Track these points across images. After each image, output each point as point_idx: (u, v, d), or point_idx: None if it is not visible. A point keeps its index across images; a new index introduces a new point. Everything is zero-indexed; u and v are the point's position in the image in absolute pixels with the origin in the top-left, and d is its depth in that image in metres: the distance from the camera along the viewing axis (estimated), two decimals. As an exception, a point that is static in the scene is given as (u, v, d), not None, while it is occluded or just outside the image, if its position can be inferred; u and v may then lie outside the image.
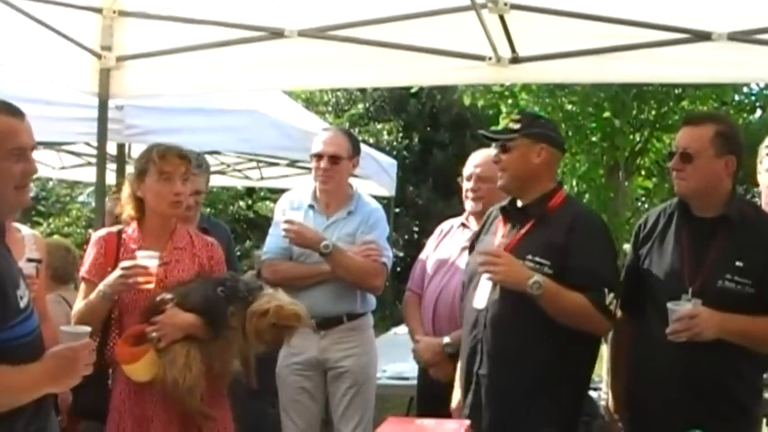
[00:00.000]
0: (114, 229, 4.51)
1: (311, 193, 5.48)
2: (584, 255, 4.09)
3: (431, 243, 5.44)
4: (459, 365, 4.52)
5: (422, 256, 5.46)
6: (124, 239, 4.40)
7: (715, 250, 3.94)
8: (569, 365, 4.16)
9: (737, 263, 3.89)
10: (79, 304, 4.34)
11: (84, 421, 4.71)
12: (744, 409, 3.97)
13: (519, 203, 4.28)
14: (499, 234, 4.26)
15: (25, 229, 4.81)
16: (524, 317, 4.02)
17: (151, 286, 4.18)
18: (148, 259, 4.16)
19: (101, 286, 4.21)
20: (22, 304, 2.91)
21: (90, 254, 4.42)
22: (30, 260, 4.60)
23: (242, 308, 4.26)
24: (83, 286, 4.41)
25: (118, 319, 4.34)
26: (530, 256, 4.03)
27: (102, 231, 4.53)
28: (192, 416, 4.24)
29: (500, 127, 4.39)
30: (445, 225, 5.47)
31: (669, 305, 3.78)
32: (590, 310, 4.01)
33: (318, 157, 5.34)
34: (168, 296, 4.21)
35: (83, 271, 4.42)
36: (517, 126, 4.25)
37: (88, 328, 3.19)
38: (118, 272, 4.16)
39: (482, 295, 4.15)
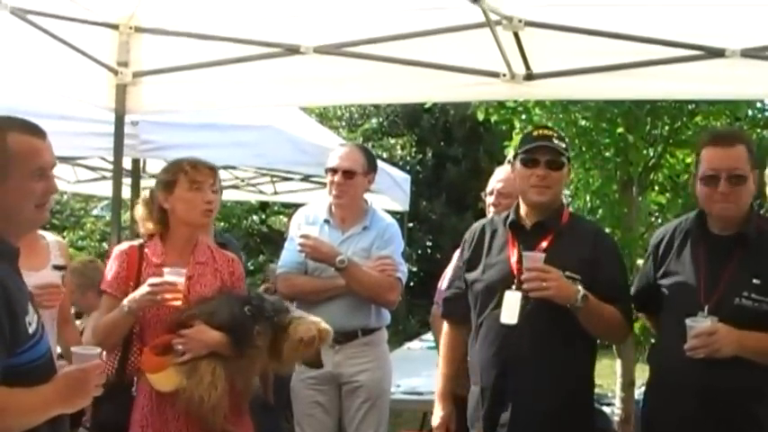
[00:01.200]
0: (135, 242, 4.52)
1: (327, 208, 5.51)
2: (612, 268, 4.27)
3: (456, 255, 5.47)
4: (441, 380, 4.59)
5: (448, 268, 5.48)
6: (146, 254, 4.41)
7: (732, 267, 3.95)
8: (591, 376, 4.35)
9: (754, 280, 3.89)
10: (101, 318, 4.35)
11: None
12: (761, 427, 3.96)
13: (528, 220, 4.30)
14: (515, 252, 4.23)
15: (50, 236, 4.84)
16: (562, 330, 4.08)
17: (178, 303, 4.20)
18: (176, 276, 4.17)
19: (126, 301, 4.21)
20: (31, 330, 2.92)
21: (112, 268, 4.42)
22: (55, 267, 4.64)
23: (268, 328, 4.30)
24: (104, 300, 4.42)
25: (139, 333, 4.36)
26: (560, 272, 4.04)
27: (124, 245, 4.53)
28: None
29: (541, 141, 4.31)
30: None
31: (688, 321, 3.78)
32: (621, 320, 4.19)
33: (333, 171, 5.38)
34: (195, 312, 4.24)
35: (104, 285, 4.42)
36: (564, 145, 4.31)
37: (98, 349, 3.19)
38: (145, 288, 4.17)
39: (511, 311, 4.11)
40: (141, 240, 4.52)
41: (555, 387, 4.09)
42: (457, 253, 5.46)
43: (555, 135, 4.32)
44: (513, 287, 4.12)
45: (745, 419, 3.92)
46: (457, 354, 4.55)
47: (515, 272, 4.15)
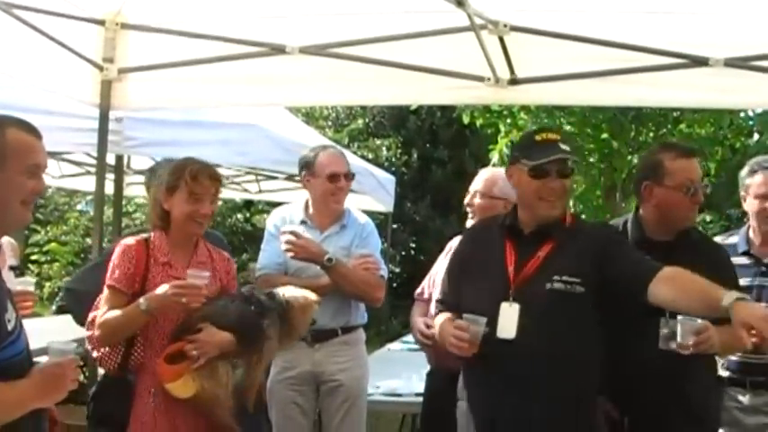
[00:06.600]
0: (140, 237, 4.43)
1: (302, 208, 5.48)
2: (628, 251, 4.00)
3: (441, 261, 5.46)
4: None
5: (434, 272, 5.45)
6: (152, 250, 4.35)
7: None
8: (594, 389, 4.02)
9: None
10: (109, 313, 4.24)
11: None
12: (688, 400, 4.04)
13: (527, 226, 4.00)
14: (512, 259, 3.96)
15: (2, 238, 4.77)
16: (560, 345, 3.83)
17: (197, 305, 4.17)
18: (199, 279, 4.16)
19: (143, 300, 4.16)
20: (10, 327, 2.95)
21: (119, 263, 4.31)
22: (11, 268, 4.59)
23: (275, 318, 4.41)
24: (108, 294, 4.29)
25: (143, 330, 4.30)
26: (557, 276, 3.83)
27: (130, 240, 4.41)
28: (221, 428, 4.29)
29: (552, 151, 3.93)
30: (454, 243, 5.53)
31: (680, 318, 3.72)
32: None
33: (335, 176, 5.32)
34: (202, 315, 4.24)
35: (111, 279, 4.29)
36: (570, 148, 3.98)
37: (74, 344, 3.21)
38: (166, 289, 4.12)
39: (509, 324, 3.84)
40: (146, 235, 4.44)
41: (558, 404, 3.82)
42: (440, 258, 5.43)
43: (560, 138, 3.99)
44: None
45: (674, 395, 3.98)
46: None
47: (512, 283, 3.91)
